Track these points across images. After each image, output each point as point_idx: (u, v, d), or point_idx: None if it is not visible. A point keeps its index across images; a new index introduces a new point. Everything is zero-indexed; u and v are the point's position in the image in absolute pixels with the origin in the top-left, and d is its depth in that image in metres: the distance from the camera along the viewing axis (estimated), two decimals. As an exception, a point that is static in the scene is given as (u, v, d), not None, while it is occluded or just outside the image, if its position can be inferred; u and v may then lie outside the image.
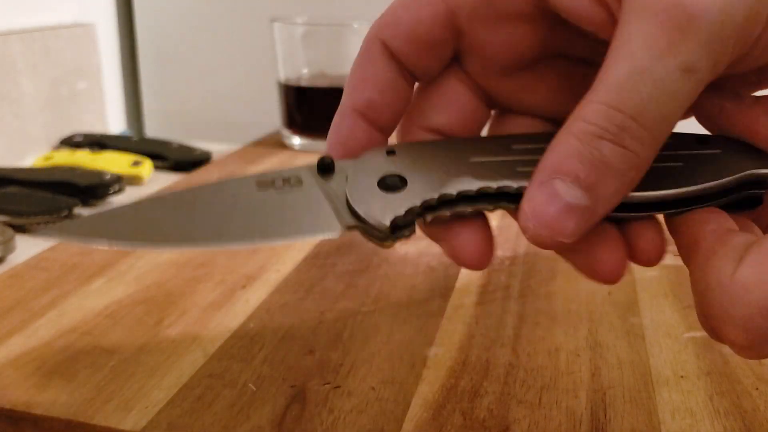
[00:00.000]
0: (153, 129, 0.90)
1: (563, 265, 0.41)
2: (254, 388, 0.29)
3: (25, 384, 0.29)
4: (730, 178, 0.23)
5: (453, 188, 0.23)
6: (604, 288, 0.38)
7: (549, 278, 0.39)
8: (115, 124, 0.87)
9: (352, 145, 0.25)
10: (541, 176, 0.20)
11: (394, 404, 0.28)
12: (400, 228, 0.22)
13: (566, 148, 0.20)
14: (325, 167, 0.24)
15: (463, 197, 0.23)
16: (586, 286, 0.39)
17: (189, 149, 0.68)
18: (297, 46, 0.68)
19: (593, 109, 0.20)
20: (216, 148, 0.74)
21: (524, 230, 0.21)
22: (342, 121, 0.25)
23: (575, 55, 0.25)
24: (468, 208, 0.23)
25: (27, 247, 0.46)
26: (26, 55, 0.67)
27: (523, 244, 0.44)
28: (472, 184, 0.23)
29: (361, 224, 0.23)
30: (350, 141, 0.25)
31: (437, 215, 0.23)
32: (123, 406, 0.27)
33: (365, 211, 0.23)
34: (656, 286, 0.39)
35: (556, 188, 0.20)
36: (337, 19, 0.71)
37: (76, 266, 0.40)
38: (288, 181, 0.24)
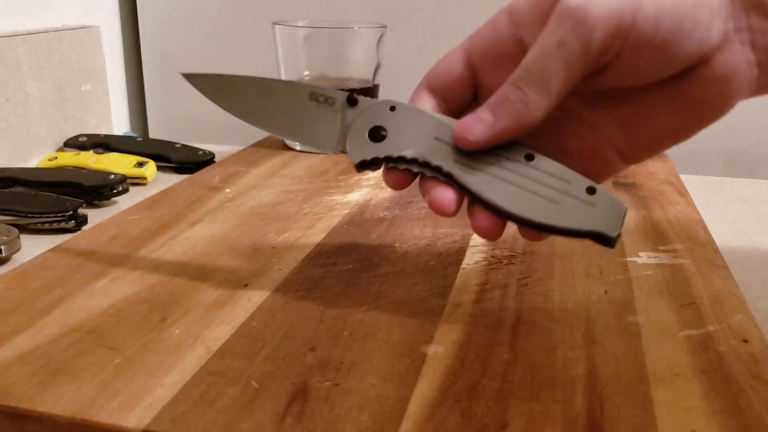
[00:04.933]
0: (157, 130, 0.91)
1: (560, 265, 0.41)
2: (256, 386, 0.29)
3: (30, 382, 0.29)
4: (586, 230, 0.31)
5: (410, 153, 0.33)
6: (601, 287, 0.39)
7: (546, 277, 0.40)
8: (120, 125, 0.88)
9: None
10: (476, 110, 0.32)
11: (394, 401, 0.28)
12: (367, 165, 0.33)
13: (494, 94, 0.32)
14: (351, 100, 0.34)
15: (413, 161, 0.33)
16: (583, 285, 0.39)
17: (192, 150, 0.69)
18: (298, 48, 0.68)
19: (515, 71, 0.31)
20: (219, 149, 0.74)
21: (454, 134, 0.32)
22: None
23: None
24: (414, 168, 0.33)
25: (32, 247, 0.47)
26: (31, 57, 0.68)
27: (521, 245, 0.44)
28: (421, 155, 0.33)
29: (345, 153, 0.34)
30: None
31: (393, 167, 0.33)
32: (127, 404, 0.28)
33: (349, 148, 0.34)
34: (652, 285, 0.39)
35: (477, 111, 0.32)
36: (338, 21, 0.72)
37: (80, 265, 0.40)
38: (327, 100, 0.35)
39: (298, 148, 0.69)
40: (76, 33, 0.74)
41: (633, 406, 0.28)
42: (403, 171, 0.33)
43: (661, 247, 0.44)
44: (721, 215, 0.58)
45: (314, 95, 0.35)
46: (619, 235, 0.30)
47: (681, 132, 0.33)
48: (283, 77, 0.70)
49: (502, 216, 0.32)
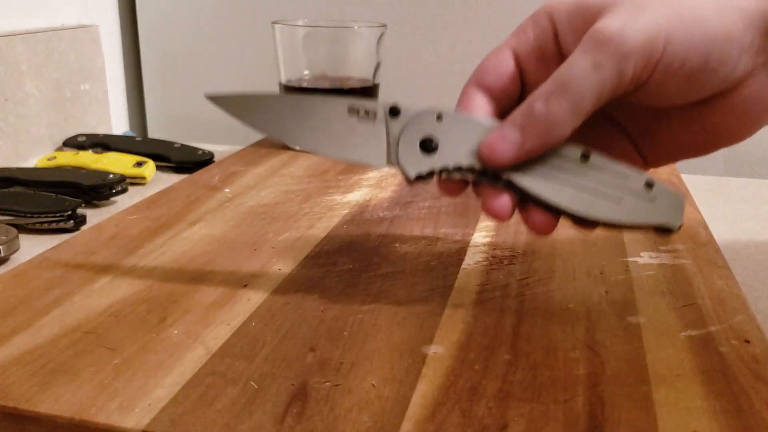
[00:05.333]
0: (156, 130, 0.91)
1: (561, 265, 0.41)
2: (256, 386, 0.29)
3: (29, 382, 0.29)
4: (649, 224, 0.32)
5: (465, 162, 0.32)
6: (602, 287, 0.39)
7: (547, 278, 0.40)
8: (119, 124, 0.87)
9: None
10: (500, 125, 0.32)
11: (394, 402, 0.28)
12: (422, 178, 0.33)
13: (518, 108, 0.32)
14: (394, 111, 0.33)
15: (470, 169, 0.32)
16: (584, 285, 0.39)
17: (192, 150, 0.68)
18: (298, 48, 0.68)
19: (540, 87, 0.31)
20: (218, 148, 0.74)
21: (480, 153, 0.32)
22: None
23: None
24: (470, 177, 0.33)
25: (30, 247, 0.47)
26: (30, 56, 0.68)
27: (522, 245, 0.44)
28: (477, 163, 0.32)
29: (398, 167, 0.33)
30: None
31: (449, 177, 0.33)
32: (126, 405, 0.28)
33: (402, 162, 0.33)
34: (653, 285, 0.39)
35: (503, 129, 0.32)
36: (338, 21, 0.72)
37: (79, 265, 0.40)
38: (368, 113, 0.33)
39: (298, 148, 0.69)
40: (75, 32, 0.74)
41: (634, 407, 0.28)
42: (459, 180, 0.33)
43: (662, 247, 0.44)
44: (723, 215, 0.57)
45: (353, 109, 0.33)
46: (681, 225, 0.32)
47: (700, 149, 0.34)
48: (283, 77, 0.70)
49: (561, 213, 0.32)
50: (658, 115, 0.34)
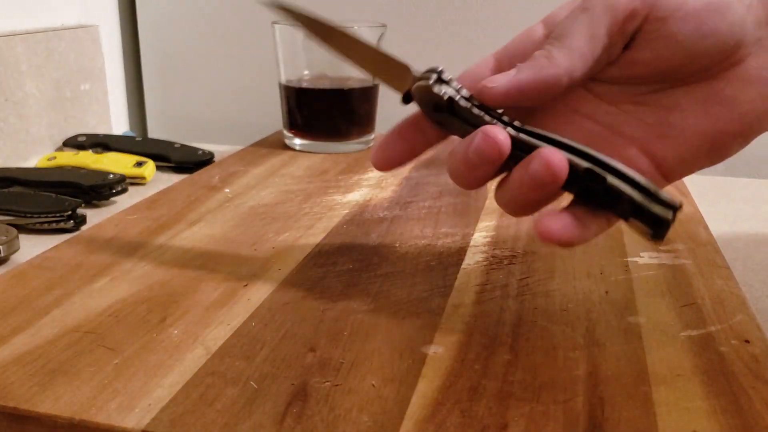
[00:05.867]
0: (156, 130, 0.91)
1: (561, 265, 0.41)
2: (256, 386, 0.29)
3: (29, 382, 0.29)
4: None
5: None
6: (602, 287, 0.39)
7: (547, 278, 0.40)
8: (118, 124, 0.87)
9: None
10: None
11: (394, 402, 0.28)
12: (440, 107, 0.33)
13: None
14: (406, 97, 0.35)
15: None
16: (584, 285, 0.39)
17: (192, 150, 0.68)
18: (298, 47, 0.68)
19: None
20: (218, 149, 0.74)
21: (477, 88, 0.32)
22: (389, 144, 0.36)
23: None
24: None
25: (30, 247, 0.47)
26: (30, 56, 0.68)
27: (522, 245, 0.44)
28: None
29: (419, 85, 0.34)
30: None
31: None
32: (126, 405, 0.28)
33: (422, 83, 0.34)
34: (653, 285, 0.39)
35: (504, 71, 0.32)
36: (338, 21, 0.72)
37: (79, 265, 0.40)
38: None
39: (298, 147, 0.69)
40: (75, 32, 0.74)
41: (634, 407, 0.28)
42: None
43: (662, 248, 0.44)
44: (723, 215, 0.57)
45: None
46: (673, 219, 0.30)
47: (721, 139, 0.32)
48: (283, 77, 0.70)
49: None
50: (668, 100, 0.32)
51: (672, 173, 0.33)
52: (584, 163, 0.30)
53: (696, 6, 0.30)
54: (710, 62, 0.31)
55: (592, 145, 0.31)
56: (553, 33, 0.31)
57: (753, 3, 0.30)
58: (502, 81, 0.31)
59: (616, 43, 0.31)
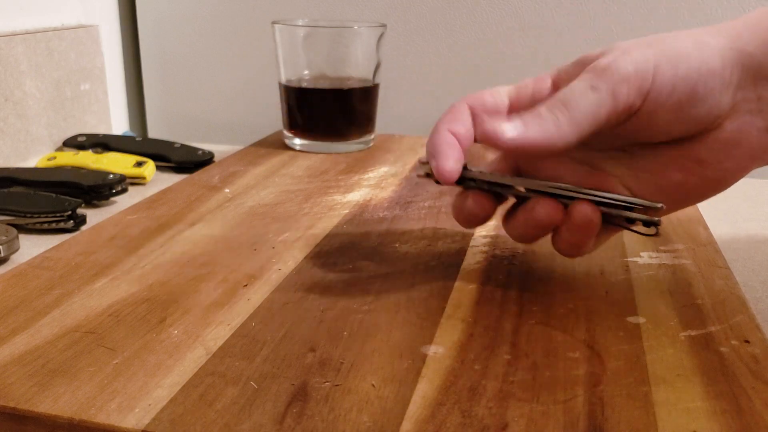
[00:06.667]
0: (156, 130, 0.91)
1: (561, 265, 0.41)
2: (256, 386, 0.29)
3: (29, 382, 0.29)
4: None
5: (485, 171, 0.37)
6: (602, 287, 0.39)
7: (547, 278, 0.40)
8: (118, 124, 0.87)
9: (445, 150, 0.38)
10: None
11: (394, 402, 0.28)
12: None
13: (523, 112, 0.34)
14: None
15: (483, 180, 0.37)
16: (584, 285, 0.39)
17: (192, 150, 0.68)
18: (298, 47, 0.68)
19: (544, 102, 0.34)
20: (218, 148, 0.74)
21: (484, 131, 0.34)
22: (437, 133, 0.37)
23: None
24: (485, 186, 0.37)
25: (30, 247, 0.47)
26: (30, 56, 0.68)
27: (522, 245, 0.44)
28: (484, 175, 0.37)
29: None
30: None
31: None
32: (126, 405, 0.28)
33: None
34: (653, 285, 0.39)
35: (511, 118, 0.34)
36: (338, 21, 0.72)
37: (79, 265, 0.40)
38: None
39: (298, 147, 0.69)
40: (75, 32, 0.74)
41: (634, 407, 0.28)
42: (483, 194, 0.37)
43: (662, 248, 0.44)
44: (723, 215, 0.57)
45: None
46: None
47: (693, 191, 0.36)
48: (283, 77, 0.70)
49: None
50: (651, 157, 0.36)
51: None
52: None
53: (682, 98, 0.33)
54: (689, 134, 0.34)
55: (578, 179, 0.36)
56: (561, 94, 0.33)
57: (733, 76, 0.33)
58: (511, 132, 0.33)
59: (611, 123, 0.34)
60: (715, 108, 0.33)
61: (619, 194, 0.36)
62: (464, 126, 0.36)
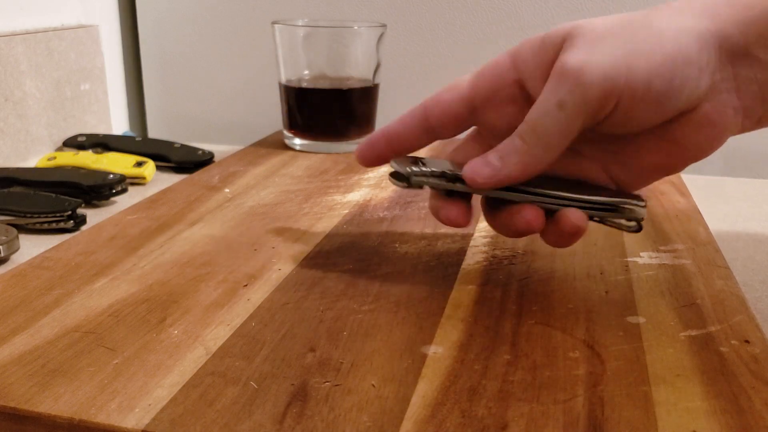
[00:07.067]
0: (156, 130, 0.91)
1: (561, 265, 0.41)
2: (256, 386, 0.29)
3: (29, 382, 0.29)
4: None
5: (439, 168, 0.36)
6: (602, 287, 0.39)
7: (547, 278, 0.40)
8: (118, 124, 0.87)
9: (371, 157, 0.40)
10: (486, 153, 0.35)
11: (394, 402, 0.28)
12: (412, 179, 0.36)
13: (504, 141, 0.35)
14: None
15: (443, 174, 0.36)
16: (584, 285, 0.39)
17: (192, 150, 0.68)
18: (298, 47, 0.68)
19: (520, 125, 0.34)
20: (218, 148, 0.74)
21: (463, 174, 0.35)
22: (371, 137, 0.40)
23: None
24: (443, 181, 0.36)
25: (30, 247, 0.47)
26: (30, 56, 0.68)
27: (522, 245, 0.44)
28: (446, 167, 0.37)
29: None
30: (373, 154, 0.40)
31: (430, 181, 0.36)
32: (126, 405, 0.28)
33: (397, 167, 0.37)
34: (653, 285, 0.39)
35: (488, 155, 0.35)
36: (338, 21, 0.72)
37: (79, 265, 0.40)
38: None
39: (298, 147, 0.69)
40: (75, 32, 0.74)
41: (634, 407, 0.28)
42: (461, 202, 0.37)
43: (662, 248, 0.44)
44: (723, 215, 0.57)
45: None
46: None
47: (670, 167, 0.36)
48: (283, 77, 0.70)
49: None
50: (628, 140, 0.36)
51: (627, 187, 0.38)
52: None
53: (658, 93, 0.32)
54: (666, 120, 0.34)
55: (560, 165, 0.36)
56: (531, 123, 0.34)
57: (710, 59, 0.32)
58: (489, 174, 0.34)
59: (585, 128, 0.34)
60: (693, 95, 0.33)
61: (600, 195, 0.36)
62: (402, 125, 0.39)
